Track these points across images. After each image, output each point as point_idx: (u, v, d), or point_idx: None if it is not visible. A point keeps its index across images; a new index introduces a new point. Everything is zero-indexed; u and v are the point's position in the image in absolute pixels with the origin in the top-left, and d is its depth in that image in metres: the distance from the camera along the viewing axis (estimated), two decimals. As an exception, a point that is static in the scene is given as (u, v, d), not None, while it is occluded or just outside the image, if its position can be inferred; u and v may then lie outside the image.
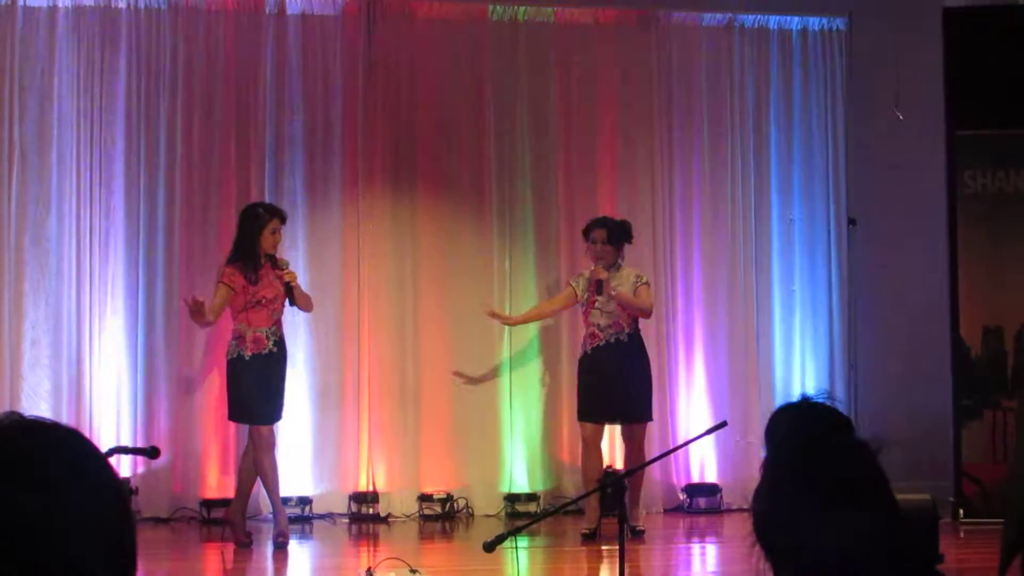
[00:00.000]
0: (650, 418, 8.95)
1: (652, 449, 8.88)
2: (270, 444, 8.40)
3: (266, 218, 8.40)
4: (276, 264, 8.44)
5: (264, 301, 8.36)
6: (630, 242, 8.95)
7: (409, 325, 9.81)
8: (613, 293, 8.67)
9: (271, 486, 8.45)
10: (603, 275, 8.70)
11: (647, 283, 8.86)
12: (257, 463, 8.37)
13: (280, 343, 8.48)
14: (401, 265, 9.84)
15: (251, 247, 8.36)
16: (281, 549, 8.31)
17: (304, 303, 8.61)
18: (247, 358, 8.34)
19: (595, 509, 8.64)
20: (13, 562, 1.40)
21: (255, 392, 8.34)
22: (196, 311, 8.28)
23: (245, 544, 8.40)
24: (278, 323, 8.49)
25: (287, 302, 8.51)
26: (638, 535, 8.62)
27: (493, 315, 9.28)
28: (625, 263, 8.89)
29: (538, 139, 10.09)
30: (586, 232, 8.90)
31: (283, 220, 8.48)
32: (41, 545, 1.42)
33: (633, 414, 8.79)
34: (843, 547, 1.89)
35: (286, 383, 8.58)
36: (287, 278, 8.41)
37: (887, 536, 1.93)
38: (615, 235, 8.77)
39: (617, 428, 9.03)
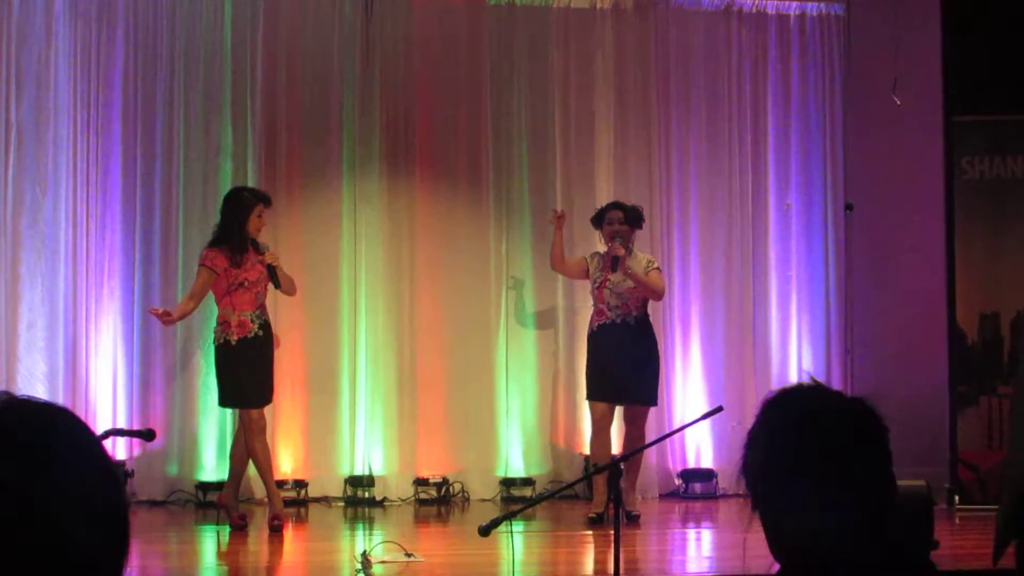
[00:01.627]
0: (654, 402, 8.94)
1: (648, 434, 8.87)
2: (261, 427, 8.39)
3: (252, 202, 8.37)
4: (258, 248, 8.42)
5: (247, 283, 8.33)
6: (641, 227, 8.96)
7: (406, 308, 9.81)
8: (628, 271, 8.67)
9: (264, 469, 8.44)
10: (620, 251, 8.70)
11: (658, 268, 8.89)
12: (248, 447, 8.37)
13: (265, 326, 8.45)
14: (398, 249, 9.84)
15: (237, 231, 8.33)
16: (276, 532, 8.32)
17: (287, 286, 8.59)
18: (233, 343, 8.32)
19: (603, 492, 8.61)
20: (4, 541, 1.40)
21: (243, 377, 8.33)
22: (165, 320, 8.33)
23: (240, 526, 8.41)
24: (262, 306, 8.45)
25: (272, 285, 8.49)
26: (634, 520, 8.63)
27: (559, 218, 9.10)
28: (636, 250, 8.90)
29: (535, 124, 10.08)
30: (599, 217, 8.88)
31: (268, 204, 8.46)
32: (32, 524, 1.41)
33: (636, 396, 8.78)
34: (831, 530, 1.90)
35: (274, 365, 8.56)
36: (269, 260, 8.39)
37: (878, 522, 1.92)
38: (630, 216, 8.79)
39: (619, 409, 9.01)
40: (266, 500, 8.65)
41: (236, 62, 9.72)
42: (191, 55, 9.67)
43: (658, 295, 8.93)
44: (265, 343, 8.43)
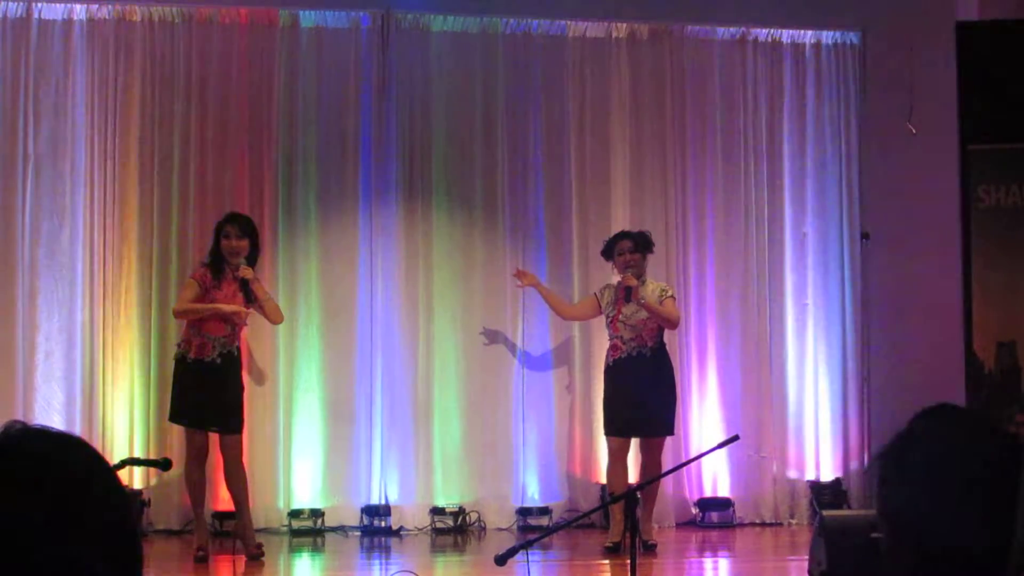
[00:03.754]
0: (671, 432, 8.91)
1: (665, 462, 8.86)
2: (196, 453, 8.32)
3: (221, 223, 8.46)
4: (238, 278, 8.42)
5: None
6: (652, 252, 8.96)
7: (422, 338, 9.81)
8: (642, 301, 8.65)
9: (193, 498, 8.37)
10: (633, 282, 8.67)
11: (672, 296, 8.85)
12: (185, 471, 8.36)
13: (228, 356, 8.37)
14: (414, 278, 9.85)
15: (215, 253, 8.40)
16: (203, 563, 8.25)
17: (271, 311, 8.57)
18: (189, 361, 8.33)
19: (620, 522, 8.59)
20: (17, 570, 1.40)
21: (185, 393, 8.30)
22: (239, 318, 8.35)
23: (256, 556, 8.38)
24: (231, 336, 8.40)
25: (245, 301, 8.43)
26: (650, 549, 8.59)
27: (521, 274, 9.31)
28: (648, 277, 8.88)
29: (551, 153, 10.09)
30: (608, 249, 8.87)
31: (234, 224, 8.40)
32: (45, 553, 1.42)
33: (653, 428, 8.76)
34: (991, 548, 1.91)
35: (234, 397, 8.43)
36: (242, 274, 8.36)
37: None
38: (641, 244, 8.78)
39: (636, 439, 8.97)
40: (282, 529, 8.61)
41: (253, 92, 9.76)
42: (208, 85, 9.71)
43: (673, 324, 8.89)
44: (220, 371, 8.32)
